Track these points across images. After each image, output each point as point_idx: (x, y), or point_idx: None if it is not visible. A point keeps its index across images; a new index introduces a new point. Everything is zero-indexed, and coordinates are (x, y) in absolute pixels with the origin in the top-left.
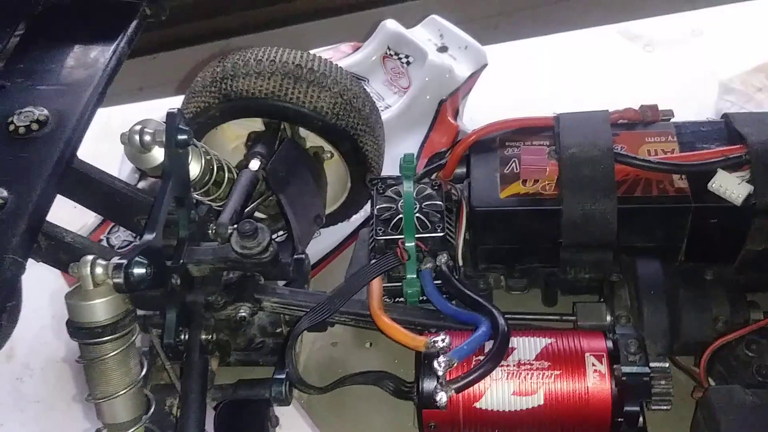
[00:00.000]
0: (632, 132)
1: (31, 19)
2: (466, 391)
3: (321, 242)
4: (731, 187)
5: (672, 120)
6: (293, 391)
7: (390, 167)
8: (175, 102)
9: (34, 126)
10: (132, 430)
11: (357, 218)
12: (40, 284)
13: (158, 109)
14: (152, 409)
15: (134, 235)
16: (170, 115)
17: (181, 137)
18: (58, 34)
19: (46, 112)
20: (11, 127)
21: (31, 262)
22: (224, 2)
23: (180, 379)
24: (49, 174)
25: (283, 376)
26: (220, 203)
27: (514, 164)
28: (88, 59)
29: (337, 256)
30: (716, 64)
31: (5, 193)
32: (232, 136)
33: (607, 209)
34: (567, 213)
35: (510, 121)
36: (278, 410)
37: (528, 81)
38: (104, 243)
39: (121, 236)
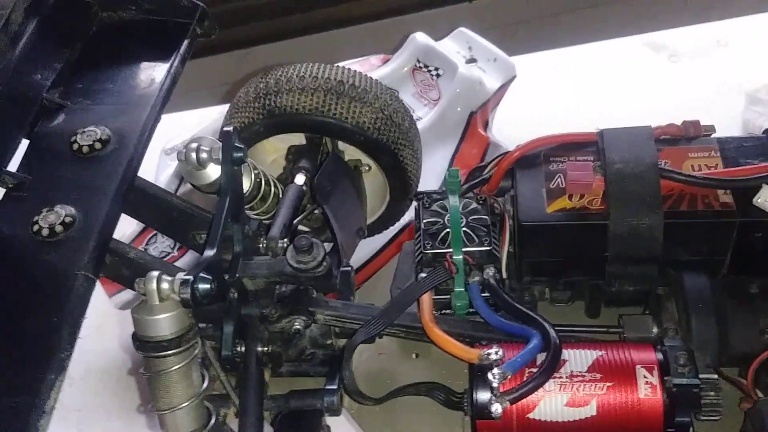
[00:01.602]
0: (675, 147)
1: (86, 40)
2: (519, 402)
3: (357, 252)
4: None
5: (714, 135)
6: (343, 400)
7: (422, 177)
8: (216, 111)
9: (97, 145)
10: None
11: (390, 230)
12: None
13: (194, 119)
14: (213, 420)
15: (171, 245)
16: (226, 133)
17: (237, 155)
18: (113, 54)
19: (108, 131)
20: (75, 146)
21: None
22: (245, 12)
23: (234, 390)
24: (114, 192)
25: (335, 387)
26: (265, 216)
27: (559, 179)
28: (144, 78)
29: (379, 265)
30: (742, 74)
31: (73, 211)
32: (272, 150)
33: (654, 224)
34: (614, 227)
35: (553, 137)
36: (329, 420)
37: (554, 91)
38: None
39: (158, 247)
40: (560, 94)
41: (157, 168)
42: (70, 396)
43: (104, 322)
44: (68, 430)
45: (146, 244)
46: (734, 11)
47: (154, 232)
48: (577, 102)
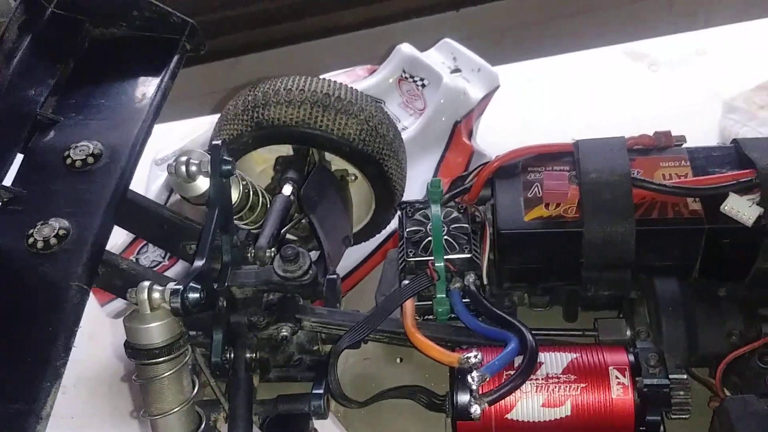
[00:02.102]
0: (647, 157)
1: (78, 56)
2: (497, 403)
3: (343, 260)
4: (742, 209)
5: (685, 145)
6: (330, 404)
7: (407, 187)
8: (206, 122)
9: (90, 159)
10: None
11: (376, 238)
12: None
13: (183, 129)
14: (203, 425)
15: (162, 255)
16: (215, 147)
17: (225, 167)
18: (105, 70)
19: (100, 146)
20: (68, 161)
21: None
22: (234, 21)
23: (224, 395)
24: (107, 205)
25: (321, 391)
26: (254, 226)
27: (536, 188)
28: (135, 94)
29: (364, 273)
30: (719, 82)
31: (67, 224)
32: (260, 161)
33: (626, 231)
34: (588, 235)
35: (531, 147)
36: (316, 423)
37: (535, 101)
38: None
39: (150, 256)
40: (543, 103)
41: (147, 178)
42: (63, 403)
43: (96, 330)
44: None
45: (137, 254)
46: (714, 21)
47: (145, 242)
48: (559, 111)
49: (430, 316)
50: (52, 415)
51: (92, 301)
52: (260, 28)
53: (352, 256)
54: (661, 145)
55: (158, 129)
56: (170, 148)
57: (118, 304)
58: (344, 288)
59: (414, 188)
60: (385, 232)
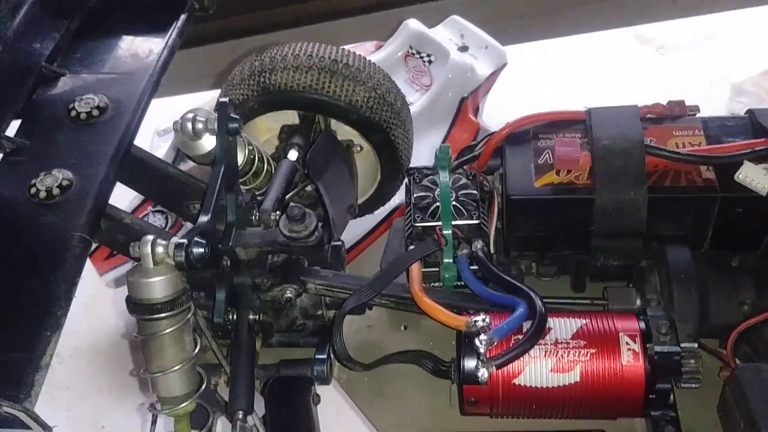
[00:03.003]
0: (660, 126)
1: (85, 12)
2: (505, 368)
3: (347, 233)
4: (757, 177)
5: (698, 115)
6: (333, 370)
7: (412, 163)
8: (208, 96)
9: (95, 112)
10: (185, 404)
11: (381, 211)
12: None
13: (186, 103)
14: (204, 385)
15: (164, 222)
16: (222, 104)
17: (232, 125)
18: (112, 27)
19: (105, 99)
20: (73, 113)
21: None
22: (240, 1)
23: (225, 358)
24: (111, 158)
25: (325, 356)
26: (258, 193)
27: (547, 155)
28: (142, 50)
29: (368, 245)
30: (728, 67)
31: (71, 175)
32: (264, 129)
33: (638, 198)
34: (599, 202)
35: (542, 114)
36: (319, 389)
37: (544, 81)
38: None
39: (156, 221)
40: (550, 83)
41: (150, 149)
42: (60, 374)
43: (94, 300)
44: (58, 407)
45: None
46: (721, 5)
47: (147, 210)
48: (566, 92)
49: (437, 283)
50: (47, 385)
51: (91, 271)
52: (265, 10)
53: (357, 229)
54: (675, 114)
55: (161, 102)
56: (172, 121)
57: (117, 273)
58: (347, 258)
59: (419, 163)
60: (389, 206)
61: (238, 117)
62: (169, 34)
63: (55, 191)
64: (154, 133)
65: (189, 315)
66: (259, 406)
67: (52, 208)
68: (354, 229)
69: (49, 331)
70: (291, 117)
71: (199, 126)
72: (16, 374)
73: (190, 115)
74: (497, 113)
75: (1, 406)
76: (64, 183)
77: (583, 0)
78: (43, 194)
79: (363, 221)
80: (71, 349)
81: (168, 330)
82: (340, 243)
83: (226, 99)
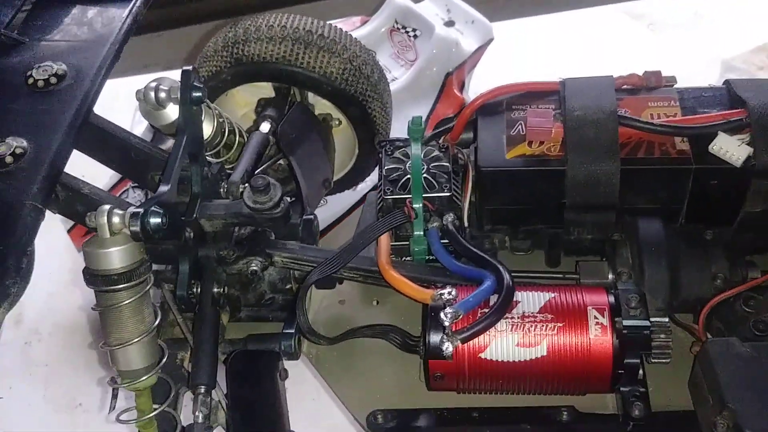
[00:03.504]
0: (636, 97)
1: None
2: (471, 342)
3: (327, 210)
4: (731, 149)
5: (675, 86)
6: (302, 345)
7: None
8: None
9: (53, 80)
10: (145, 378)
11: (362, 188)
12: (49, 251)
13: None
14: (165, 359)
15: (143, 199)
16: (185, 73)
17: (195, 94)
18: None
19: (64, 66)
20: (30, 81)
21: (41, 231)
22: None
23: (191, 332)
24: (67, 126)
25: (293, 331)
26: (230, 166)
27: (520, 126)
28: (104, 18)
29: (343, 220)
30: (719, 43)
31: (25, 143)
32: (242, 103)
33: (611, 170)
34: (571, 174)
35: (516, 85)
36: (287, 364)
37: (533, 57)
38: None
39: (136, 198)
40: (539, 59)
41: (130, 127)
42: (38, 351)
43: (73, 277)
44: (36, 384)
45: (120, 195)
46: None
47: (127, 186)
48: (555, 67)
49: (408, 258)
50: (26, 363)
51: (71, 248)
52: None
53: (337, 206)
54: (651, 85)
55: (143, 79)
56: None
57: None
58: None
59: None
60: (370, 183)
61: (201, 86)
62: (132, 1)
63: (8, 159)
64: (135, 111)
65: (148, 287)
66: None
67: (4, 176)
68: (335, 206)
69: None
70: (268, 90)
71: (162, 95)
72: None
73: (154, 84)
74: (483, 89)
75: None
76: (18, 151)
77: None
78: None
79: (344, 197)
80: (50, 326)
81: (126, 301)
82: (312, 217)
83: (190, 67)
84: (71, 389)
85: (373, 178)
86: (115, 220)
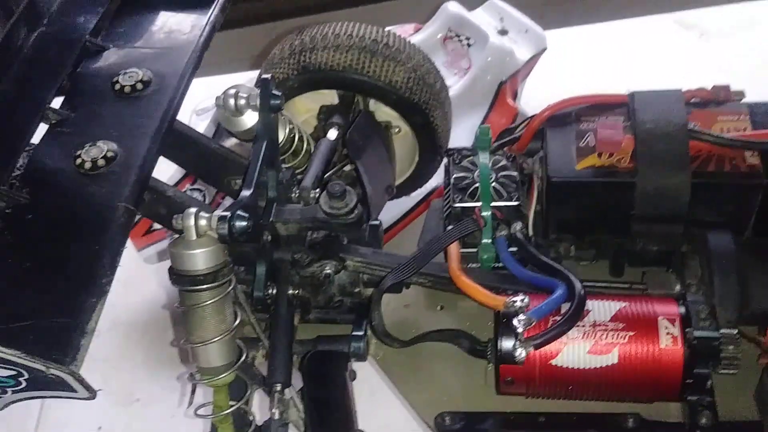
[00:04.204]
0: (705, 110)
1: None
2: (542, 348)
3: (384, 214)
4: None
5: (744, 100)
6: (369, 347)
7: (450, 145)
8: (246, 77)
9: (139, 86)
10: (224, 375)
11: (417, 193)
12: None
13: (223, 83)
14: (243, 357)
15: (202, 198)
16: (265, 81)
17: (274, 102)
18: (155, 1)
19: (149, 73)
20: (117, 86)
21: None
22: None
23: (263, 332)
24: (154, 131)
25: (362, 333)
26: (296, 171)
27: (589, 138)
28: (185, 25)
29: (404, 226)
30: None
31: (115, 147)
32: (303, 110)
33: (681, 183)
34: (641, 185)
35: (584, 97)
36: (355, 365)
37: (583, 67)
38: None
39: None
40: (589, 68)
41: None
42: (96, 347)
43: (132, 276)
44: (93, 379)
45: None
46: None
47: (185, 187)
48: (606, 77)
49: (475, 264)
50: (86, 358)
51: (129, 247)
52: None
53: (393, 211)
54: (720, 99)
55: (198, 82)
56: (210, 100)
57: (155, 249)
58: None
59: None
60: (426, 188)
61: (279, 94)
62: (211, 9)
63: (100, 162)
64: (192, 112)
65: (230, 287)
66: (296, 380)
67: (97, 179)
68: (390, 211)
69: (94, 298)
70: (329, 97)
71: (241, 102)
72: (63, 338)
73: (233, 91)
74: (536, 98)
75: (49, 368)
76: (109, 154)
77: None
78: (88, 165)
79: (399, 203)
80: (109, 322)
81: (209, 301)
82: (378, 222)
83: (269, 75)
84: (129, 384)
85: (426, 186)
86: (202, 222)
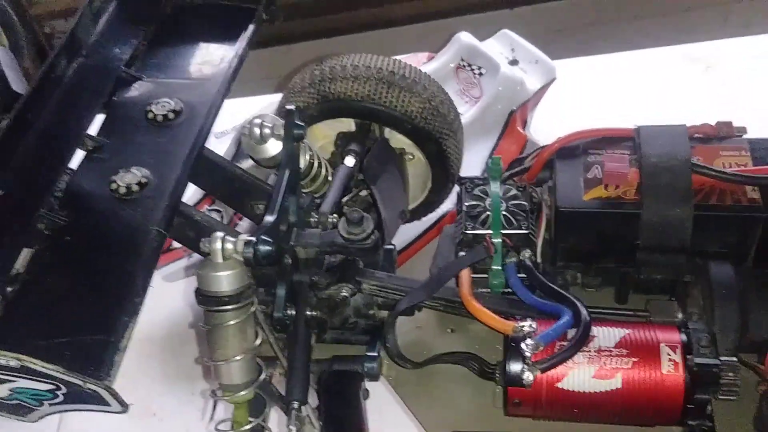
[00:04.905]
0: (708, 146)
1: (160, 20)
2: (549, 372)
3: (396, 239)
4: None
5: (745, 136)
6: (383, 368)
7: (462, 172)
8: (262, 100)
9: (171, 115)
10: (244, 392)
11: (428, 218)
12: None
13: (239, 106)
14: (263, 375)
15: (220, 219)
16: (289, 112)
17: (297, 132)
18: (185, 34)
19: (180, 103)
20: (150, 115)
21: None
22: (291, 8)
23: (281, 351)
24: (185, 158)
25: (375, 354)
26: (315, 196)
27: (596, 170)
28: (214, 57)
29: (416, 251)
30: None
31: (149, 173)
32: (320, 136)
33: (684, 215)
34: (646, 216)
35: (592, 130)
36: (368, 385)
37: (592, 96)
38: None
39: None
40: (597, 98)
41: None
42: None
43: (151, 293)
44: None
45: None
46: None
47: (204, 208)
48: (614, 107)
49: (485, 290)
50: None
51: None
52: (315, 17)
53: (404, 235)
54: (722, 134)
55: (233, 103)
56: (229, 123)
57: (172, 268)
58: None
59: (468, 173)
60: (437, 213)
61: (303, 124)
62: (239, 43)
63: (135, 188)
64: (212, 135)
65: (253, 308)
66: (311, 398)
67: (131, 204)
68: (403, 234)
69: (127, 317)
70: (346, 125)
71: (266, 131)
72: (99, 355)
73: (258, 121)
74: (545, 126)
75: (86, 383)
76: (143, 180)
77: (633, 17)
78: (123, 190)
79: (411, 227)
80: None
81: (232, 321)
82: (392, 247)
83: (293, 107)
84: (147, 399)
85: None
86: (228, 246)
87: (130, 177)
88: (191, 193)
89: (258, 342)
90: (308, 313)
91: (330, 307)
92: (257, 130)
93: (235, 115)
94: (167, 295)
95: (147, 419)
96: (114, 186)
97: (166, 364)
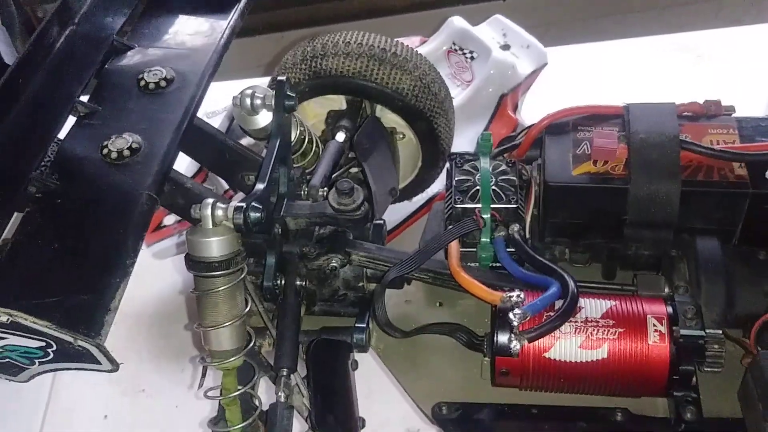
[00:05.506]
0: (696, 124)
1: None
2: (536, 342)
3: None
4: None
5: (733, 115)
6: (371, 339)
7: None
8: (249, 84)
9: (163, 83)
10: (233, 359)
11: (418, 199)
12: None
13: (232, 89)
14: (252, 343)
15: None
16: (280, 82)
17: (288, 103)
18: (178, 4)
19: (172, 71)
20: (142, 83)
21: None
22: None
23: (271, 321)
24: (176, 125)
25: (364, 325)
26: (305, 171)
27: (585, 146)
28: (206, 27)
29: (405, 228)
30: (766, 76)
31: (140, 139)
32: (312, 114)
33: (672, 190)
34: (634, 192)
35: (582, 107)
36: (357, 356)
37: (582, 82)
38: None
39: None
40: (588, 84)
41: None
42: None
43: (140, 270)
44: (100, 374)
45: None
46: (764, 18)
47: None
48: (605, 93)
49: (473, 264)
50: None
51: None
52: (309, 4)
53: (392, 216)
54: (711, 113)
55: (210, 87)
56: (221, 104)
57: (163, 245)
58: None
59: None
60: (427, 194)
61: (294, 95)
62: (231, 14)
63: (126, 153)
64: (204, 115)
65: (242, 275)
66: (300, 369)
67: (123, 168)
68: (392, 215)
69: (118, 278)
70: (337, 103)
71: (257, 102)
72: (89, 314)
73: (249, 91)
74: (535, 111)
75: (76, 341)
76: (134, 146)
77: (627, 9)
78: (114, 155)
79: (401, 207)
80: (117, 314)
81: (222, 287)
82: (381, 221)
83: (284, 77)
84: (136, 375)
85: (427, 191)
86: (218, 212)
87: (121, 142)
88: (183, 170)
89: (247, 309)
90: (298, 283)
91: (320, 278)
92: (248, 101)
93: (228, 96)
94: (157, 273)
95: (136, 395)
96: (105, 151)
97: (155, 341)
